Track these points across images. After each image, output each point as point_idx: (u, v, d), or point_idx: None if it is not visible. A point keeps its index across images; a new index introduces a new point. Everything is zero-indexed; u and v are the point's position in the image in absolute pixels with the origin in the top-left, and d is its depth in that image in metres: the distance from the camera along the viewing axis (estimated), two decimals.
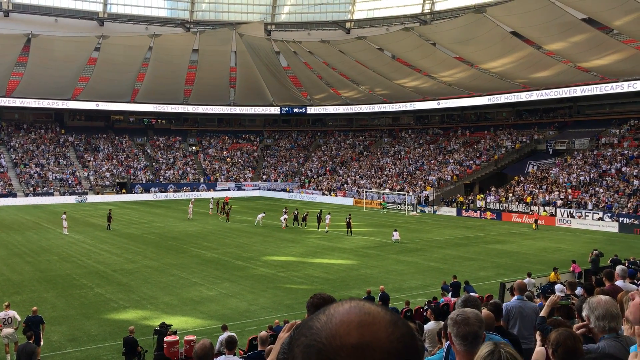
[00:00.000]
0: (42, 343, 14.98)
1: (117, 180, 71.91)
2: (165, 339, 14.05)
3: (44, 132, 78.21)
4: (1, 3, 73.21)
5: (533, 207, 48.57)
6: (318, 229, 41.71)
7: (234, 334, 11.71)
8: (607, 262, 22.93)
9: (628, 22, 49.09)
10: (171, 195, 70.69)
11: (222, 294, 22.17)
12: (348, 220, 39.36)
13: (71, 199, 64.52)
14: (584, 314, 3.76)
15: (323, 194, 68.02)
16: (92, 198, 66.04)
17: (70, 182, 69.14)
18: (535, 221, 43.90)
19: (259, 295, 21.85)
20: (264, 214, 44.70)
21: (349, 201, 63.34)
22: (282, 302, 20.92)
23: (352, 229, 38.98)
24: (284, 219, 42.45)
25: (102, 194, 67.87)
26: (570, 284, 11.32)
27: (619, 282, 8.38)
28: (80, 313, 19.29)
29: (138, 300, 21.09)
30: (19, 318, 15.33)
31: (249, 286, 23.41)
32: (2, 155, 70.82)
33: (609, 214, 43.47)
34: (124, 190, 70.19)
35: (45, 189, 66.42)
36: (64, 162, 72.99)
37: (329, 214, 42.40)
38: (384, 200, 58.85)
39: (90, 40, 70.04)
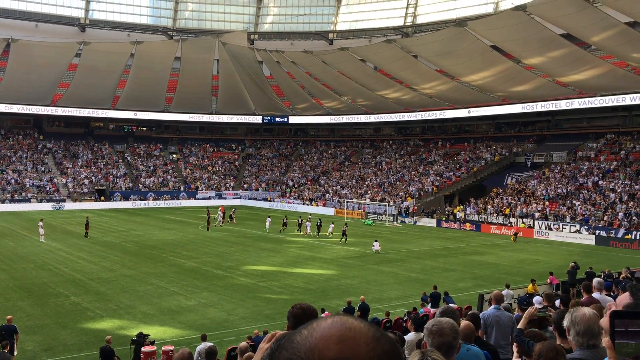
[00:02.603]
0: (15, 353, 14.72)
1: (96, 187, 71.12)
2: (143, 349, 13.90)
3: (22, 137, 77.14)
4: None
5: (511, 219, 49.09)
6: (318, 234, 44.18)
7: (213, 345, 11.65)
8: (582, 274, 23.24)
9: (605, 39, 50.12)
10: (151, 204, 70.07)
11: (201, 303, 22.00)
12: (344, 229, 41.03)
13: (48, 206, 63.59)
14: (564, 324, 3.79)
15: (304, 203, 67.99)
16: (69, 205, 65.18)
17: (48, 188, 68.20)
18: (515, 234, 44.02)
19: (238, 305, 21.73)
20: (269, 219, 46.95)
21: (329, 211, 63.37)
22: (262, 312, 20.82)
23: (344, 237, 40.27)
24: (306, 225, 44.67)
25: (80, 201, 67.02)
26: (548, 295, 11.47)
27: (595, 295, 8.52)
28: (56, 322, 18.99)
29: (115, 310, 20.83)
30: None
31: (228, 296, 23.27)
32: None
33: (586, 227, 44.09)
34: (102, 198, 69.42)
35: (22, 195, 65.42)
36: (42, 169, 72.01)
37: (333, 223, 45.31)
38: (369, 219, 57.10)
39: (71, 46, 69.43)
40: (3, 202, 63.26)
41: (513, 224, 48.29)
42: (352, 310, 17.86)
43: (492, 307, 8.16)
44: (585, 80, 55.31)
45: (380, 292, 24.29)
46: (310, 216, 48.81)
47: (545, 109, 60.59)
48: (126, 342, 15.63)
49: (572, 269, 24.33)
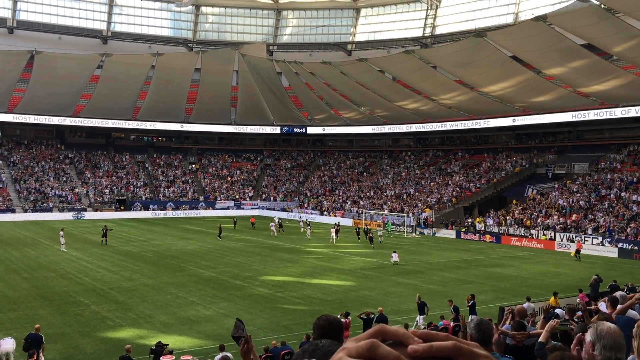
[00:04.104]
0: None
1: (117, 197, 71.87)
2: (162, 358, 13.93)
3: (44, 148, 78.36)
4: (6, 20, 73.95)
5: (532, 231, 48.50)
6: (358, 238, 47.50)
7: (229, 354, 11.61)
8: (606, 287, 22.85)
9: (627, 49, 49.53)
10: (170, 213, 70.57)
11: (219, 313, 22.03)
12: (371, 235, 44.80)
13: (69, 216, 64.37)
14: (587, 339, 3.70)
15: (322, 213, 67.91)
16: (90, 215, 65.90)
17: (69, 198, 69.09)
18: (578, 251, 39.85)
19: (256, 316, 21.71)
20: (309, 227, 50.39)
21: (347, 221, 63.16)
22: (280, 322, 20.78)
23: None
24: (334, 232, 46.37)
25: (101, 210, 67.76)
26: (570, 309, 11.26)
27: (619, 308, 8.33)
28: (76, 331, 19.14)
29: (135, 319, 20.95)
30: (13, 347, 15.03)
31: (246, 306, 23.27)
32: (2, 170, 70.90)
33: (609, 239, 43.37)
34: (122, 208, 70.10)
35: (44, 205, 66.34)
36: (64, 179, 73.00)
37: (381, 227, 50.45)
38: (389, 223, 57.21)
39: (93, 57, 70.53)
40: (25, 211, 64.20)
41: (534, 236, 47.72)
42: (370, 322, 17.75)
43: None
44: (607, 90, 54.66)
45: (398, 304, 24.10)
46: (366, 225, 52.80)
47: (566, 120, 59.89)
48: (145, 352, 15.71)
49: (594, 281, 23.95)
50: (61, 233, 39.33)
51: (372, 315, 18.09)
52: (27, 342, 14.67)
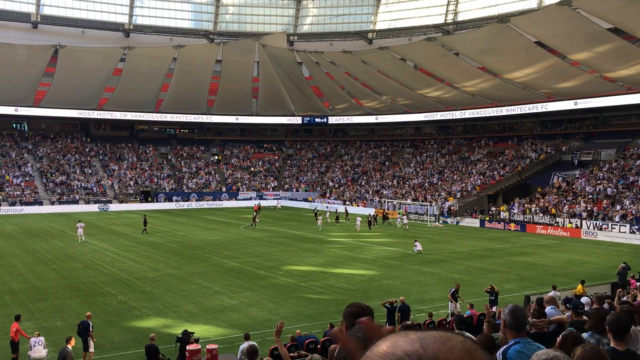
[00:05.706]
0: (90, 349, 15.46)
1: (141, 189, 72.71)
2: (188, 347, 14.08)
3: (69, 141, 79.51)
4: (30, 15, 74.92)
5: (558, 219, 47.86)
6: (383, 223, 50.68)
7: (254, 343, 11.69)
8: (637, 275, 22.46)
9: None
10: (193, 204, 71.19)
11: (243, 303, 22.18)
12: (370, 219, 47.32)
13: (94, 207, 65.36)
14: None
15: (344, 203, 67.84)
16: (115, 206, 66.81)
17: (95, 190, 70.10)
18: None
19: (280, 305, 21.81)
20: (360, 219, 48.82)
21: (370, 211, 62.97)
22: (304, 312, 20.84)
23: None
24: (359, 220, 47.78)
25: (126, 202, 68.66)
26: (598, 298, 11.08)
27: None
28: (103, 320, 19.44)
29: (160, 309, 21.20)
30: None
31: (270, 295, 23.39)
32: (29, 164, 72.17)
33: (637, 226, 42.59)
34: (149, 199, 70.95)
35: (70, 197, 67.42)
36: (89, 171, 74.05)
37: (405, 216, 51.26)
38: (400, 211, 57.22)
39: (116, 51, 71.19)
40: (52, 203, 65.32)
41: (560, 224, 47.08)
42: (394, 310, 17.72)
43: (550, 307, 8.38)
44: (634, 75, 53.47)
45: (422, 293, 24.00)
46: (399, 214, 53.32)
47: (592, 106, 58.74)
48: (171, 341, 15.91)
49: (622, 269, 23.59)
50: (81, 224, 39.55)
51: (395, 304, 18.05)
52: (79, 328, 15.64)
